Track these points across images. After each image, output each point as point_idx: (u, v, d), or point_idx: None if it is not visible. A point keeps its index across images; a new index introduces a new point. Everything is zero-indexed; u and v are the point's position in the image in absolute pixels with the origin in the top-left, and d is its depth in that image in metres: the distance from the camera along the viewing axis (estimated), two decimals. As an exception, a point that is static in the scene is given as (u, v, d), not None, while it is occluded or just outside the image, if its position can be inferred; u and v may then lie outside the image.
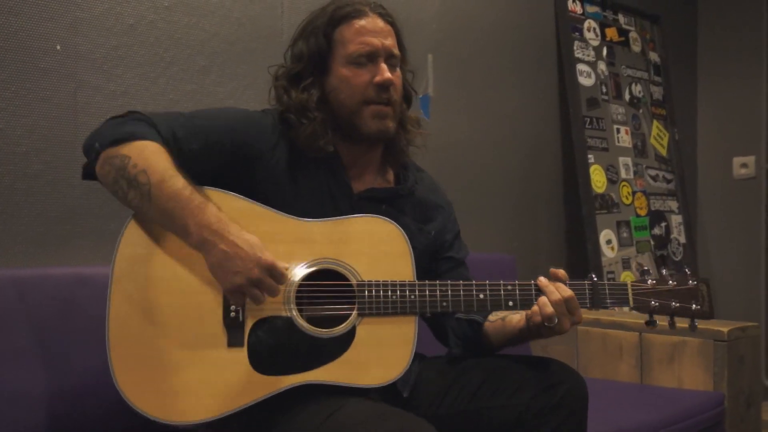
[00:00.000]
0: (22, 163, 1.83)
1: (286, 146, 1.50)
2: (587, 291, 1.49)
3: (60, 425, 1.63)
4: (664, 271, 1.55)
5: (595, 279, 1.50)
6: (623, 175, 3.37)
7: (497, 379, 1.48)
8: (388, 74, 1.48)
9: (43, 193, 1.86)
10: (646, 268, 1.60)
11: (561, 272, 1.48)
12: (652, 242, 3.43)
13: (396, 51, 1.53)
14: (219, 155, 1.44)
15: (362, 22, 1.50)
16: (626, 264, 3.24)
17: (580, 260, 3.22)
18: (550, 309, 1.42)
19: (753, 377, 2.49)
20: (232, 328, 1.38)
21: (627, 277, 3.21)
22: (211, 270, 1.34)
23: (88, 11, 1.94)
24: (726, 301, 3.94)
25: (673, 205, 3.65)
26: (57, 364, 1.65)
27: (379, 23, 1.51)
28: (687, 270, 1.55)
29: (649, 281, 1.51)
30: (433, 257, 1.63)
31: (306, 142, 1.48)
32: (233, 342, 1.37)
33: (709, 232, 4.07)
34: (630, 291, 1.50)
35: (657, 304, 1.50)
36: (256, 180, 1.46)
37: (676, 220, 3.63)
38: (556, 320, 1.42)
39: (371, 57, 1.49)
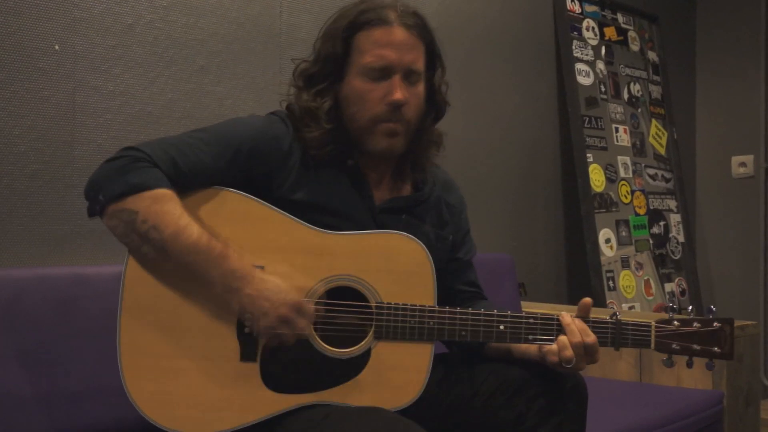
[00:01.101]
0: (21, 162, 1.83)
1: (299, 153, 1.45)
2: (609, 331, 1.45)
3: (58, 426, 1.63)
4: (690, 309, 1.52)
5: (618, 316, 1.46)
6: (622, 174, 3.37)
7: (497, 379, 1.47)
8: (399, 94, 1.40)
9: (41, 193, 1.86)
10: (670, 304, 1.58)
11: (588, 304, 1.44)
12: (650, 241, 3.43)
13: (417, 66, 1.43)
14: (230, 177, 1.39)
15: (382, 33, 1.40)
16: (625, 263, 3.24)
17: (579, 259, 3.23)
18: (569, 352, 1.38)
19: (752, 376, 2.49)
20: (246, 342, 1.35)
21: (626, 276, 3.21)
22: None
23: (87, 11, 1.93)
24: (725, 299, 3.95)
25: (672, 204, 3.65)
26: (56, 364, 1.64)
27: (402, 35, 1.41)
28: (712, 308, 1.52)
29: (675, 323, 1.47)
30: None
31: (310, 145, 1.44)
32: (246, 356, 1.35)
33: (708, 231, 4.07)
34: (653, 334, 1.46)
35: (678, 347, 1.47)
36: (273, 194, 1.41)
37: (674, 219, 3.63)
38: (574, 361, 1.39)
39: (385, 72, 1.41)
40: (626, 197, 3.36)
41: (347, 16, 1.44)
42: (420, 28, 1.45)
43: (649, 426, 2.04)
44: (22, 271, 1.71)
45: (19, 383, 1.59)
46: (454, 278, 1.62)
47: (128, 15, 2.01)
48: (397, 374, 1.38)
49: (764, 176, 3.89)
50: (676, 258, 3.57)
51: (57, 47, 1.88)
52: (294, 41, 2.33)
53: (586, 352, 1.40)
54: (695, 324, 1.47)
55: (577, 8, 3.36)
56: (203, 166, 1.36)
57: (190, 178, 1.35)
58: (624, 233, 3.29)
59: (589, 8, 3.43)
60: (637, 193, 3.43)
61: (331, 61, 1.44)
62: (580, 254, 3.19)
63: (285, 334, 1.31)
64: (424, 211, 1.56)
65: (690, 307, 1.54)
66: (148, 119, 2.04)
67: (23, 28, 1.83)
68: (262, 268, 1.35)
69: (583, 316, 1.44)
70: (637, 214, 3.40)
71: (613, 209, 3.26)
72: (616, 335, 1.45)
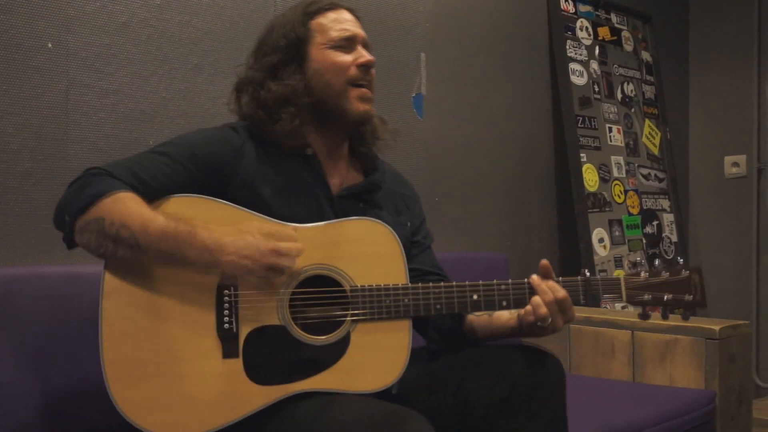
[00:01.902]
0: (13, 161, 1.82)
1: (253, 151, 1.51)
2: (580, 287, 1.49)
3: (53, 424, 1.63)
4: (657, 262, 1.55)
5: (588, 274, 1.50)
6: (615, 173, 3.37)
7: (477, 372, 1.48)
8: (369, 56, 1.56)
9: (34, 191, 1.85)
10: (638, 259, 1.61)
11: (546, 266, 1.49)
12: (644, 240, 3.44)
13: (368, 42, 1.60)
14: (189, 182, 1.44)
15: (337, 13, 1.58)
16: (618, 262, 3.25)
17: (573, 259, 3.23)
18: (543, 310, 1.43)
19: (744, 375, 2.50)
20: (227, 339, 1.37)
21: (619, 275, 3.22)
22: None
23: (80, 9, 1.93)
24: (717, 299, 3.96)
25: (665, 203, 3.66)
26: (49, 362, 1.64)
27: (351, 15, 1.60)
28: (680, 259, 1.55)
29: (642, 274, 1.51)
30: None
31: (285, 139, 1.52)
32: (228, 353, 1.36)
33: (701, 231, 4.09)
34: (623, 285, 1.51)
35: (650, 297, 1.50)
36: (233, 195, 1.45)
37: (667, 218, 3.64)
38: (550, 320, 1.44)
39: (350, 41, 1.55)
40: (619, 197, 3.37)
41: (296, 10, 1.58)
42: (358, 16, 1.63)
43: (642, 425, 2.04)
44: (16, 269, 1.71)
45: (13, 381, 1.59)
46: (420, 262, 1.66)
47: (122, 13, 2.01)
48: (379, 354, 1.41)
49: (757, 176, 3.90)
50: (669, 257, 3.58)
51: (50, 45, 1.88)
52: (288, 40, 2.33)
53: (560, 309, 1.46)
54: (664, 273, 1.50)
55: (571, 8, 3.37)
56: (163, 176, 1.42)
57: (152, 187, 1.40)
58: (617, 233, 3.30)
59: (583, 8, 3.44)
60: (631, 193, 3.44)
61: (293, 46, 1.55)
62: (574, 253, 3.20)
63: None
64: (380, 198, 1.63)
65: (657, 261, 1.57)
66: (141, 118, 2.04)
67: (16, 26, 1.82)
68: None
69: (548, 276, 1.49)
70: (630, 214, 3.41)
71: (607, 209, 3.27)
72: (587, 291, 1.49)
